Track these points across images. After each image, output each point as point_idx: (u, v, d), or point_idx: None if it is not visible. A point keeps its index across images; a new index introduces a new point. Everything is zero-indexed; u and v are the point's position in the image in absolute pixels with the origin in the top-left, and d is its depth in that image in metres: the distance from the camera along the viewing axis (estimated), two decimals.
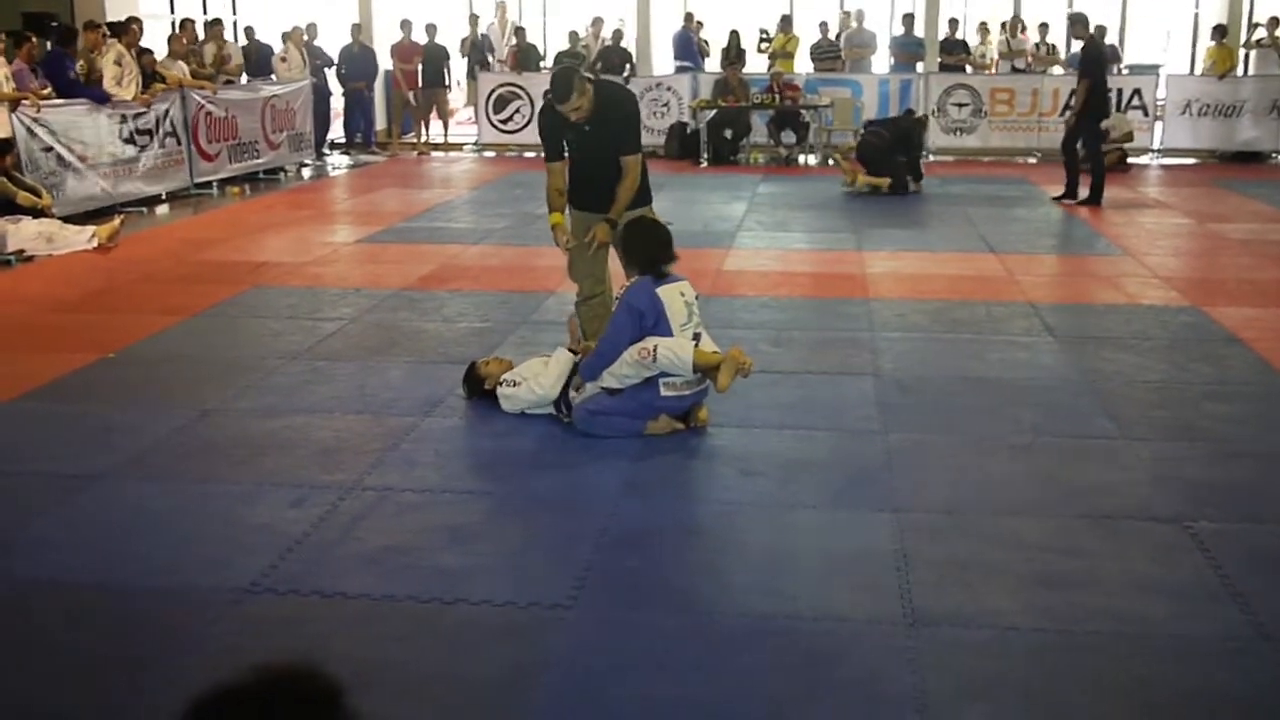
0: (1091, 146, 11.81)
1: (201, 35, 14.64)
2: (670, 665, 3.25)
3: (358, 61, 16.78)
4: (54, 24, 12.85)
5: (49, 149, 10.28)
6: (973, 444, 4.98)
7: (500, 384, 5.32)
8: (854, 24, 17.63)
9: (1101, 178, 11.76)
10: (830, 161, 15.11)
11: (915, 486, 4.52)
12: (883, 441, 5.01)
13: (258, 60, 15.73)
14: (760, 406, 5.43)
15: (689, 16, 17.69)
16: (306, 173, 14.92)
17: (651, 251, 5.14)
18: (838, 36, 17.56)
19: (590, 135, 5.46)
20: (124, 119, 11.46)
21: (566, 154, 5.65)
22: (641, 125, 5.89)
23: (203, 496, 4.42)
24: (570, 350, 5.34)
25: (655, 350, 4.88)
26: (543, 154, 5.73)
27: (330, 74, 16.73)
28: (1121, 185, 13.57)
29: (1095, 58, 11.66)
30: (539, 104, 16.77)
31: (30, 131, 10.09)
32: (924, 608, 3.55)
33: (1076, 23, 12.29)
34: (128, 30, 11.99)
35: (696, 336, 5.07)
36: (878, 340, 6.64)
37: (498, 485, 4.64)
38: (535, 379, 5.23)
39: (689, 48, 17.42)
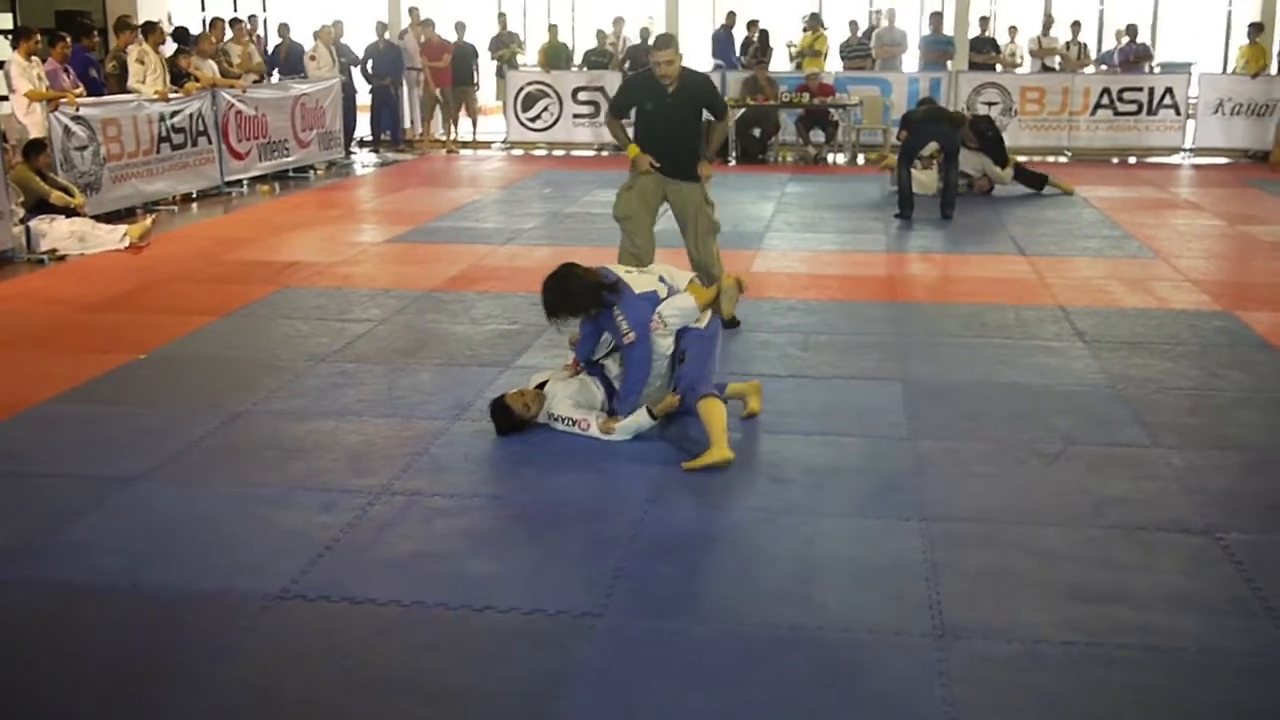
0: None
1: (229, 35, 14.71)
2: (699, 675, 3.26)
3: (384, 59, 16.80)
4: (84, 22, 12.96)
5: (84, 147, 10.38)
6: (1002, 451, 4.96)
7: (558, 421, 5.10)
8: (884, 22, 17.55)
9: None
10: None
11: (944, 495, 4.51)
12: (912, 448, 5.00)
13: (290, 59, 15.81)
14: (789, 412, 5.43)
15: (730, 15, 17.50)
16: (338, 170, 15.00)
17: (593, 293, 5.01)
18: (866, 34, 17.48)
19: (670, 104, 6.52)
20: (162, 118, 11.56)
21: (635, 127, 6.76)
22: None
23: (234, 500, 4.46)
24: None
25: (663, 317, 5.05)
26: (606, 111, 7.32)
27: (356, 72, 16.77)
28: (1153, 185, 13.49)
29: (905, 119, 11.71)
30: (567, 103, 17.00)
31: (67, 130, 10.19)
32: (953, 619, 3.54)
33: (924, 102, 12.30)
34: (154, 30, 12.12)
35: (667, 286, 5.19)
36: (907, 344, 6.62)
37: (526, 490, 4.65)
38: (601, 424, 5.05)
39: (726, 47, 17.27)
